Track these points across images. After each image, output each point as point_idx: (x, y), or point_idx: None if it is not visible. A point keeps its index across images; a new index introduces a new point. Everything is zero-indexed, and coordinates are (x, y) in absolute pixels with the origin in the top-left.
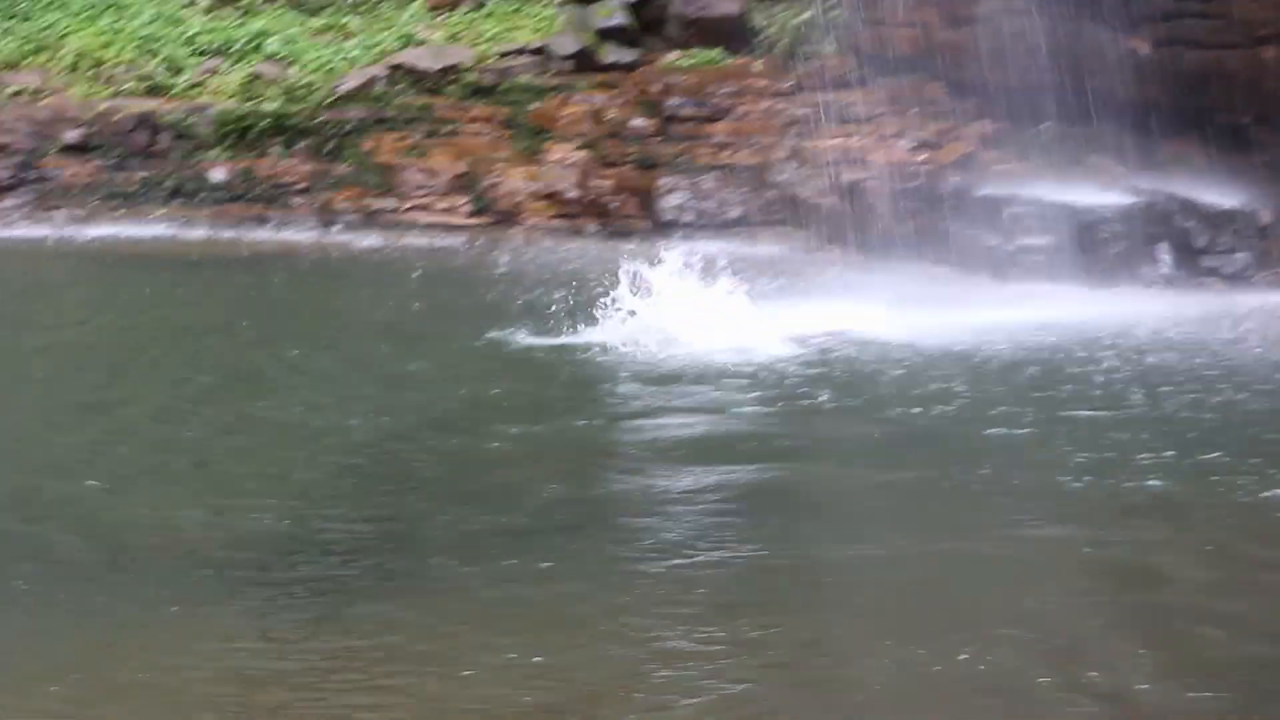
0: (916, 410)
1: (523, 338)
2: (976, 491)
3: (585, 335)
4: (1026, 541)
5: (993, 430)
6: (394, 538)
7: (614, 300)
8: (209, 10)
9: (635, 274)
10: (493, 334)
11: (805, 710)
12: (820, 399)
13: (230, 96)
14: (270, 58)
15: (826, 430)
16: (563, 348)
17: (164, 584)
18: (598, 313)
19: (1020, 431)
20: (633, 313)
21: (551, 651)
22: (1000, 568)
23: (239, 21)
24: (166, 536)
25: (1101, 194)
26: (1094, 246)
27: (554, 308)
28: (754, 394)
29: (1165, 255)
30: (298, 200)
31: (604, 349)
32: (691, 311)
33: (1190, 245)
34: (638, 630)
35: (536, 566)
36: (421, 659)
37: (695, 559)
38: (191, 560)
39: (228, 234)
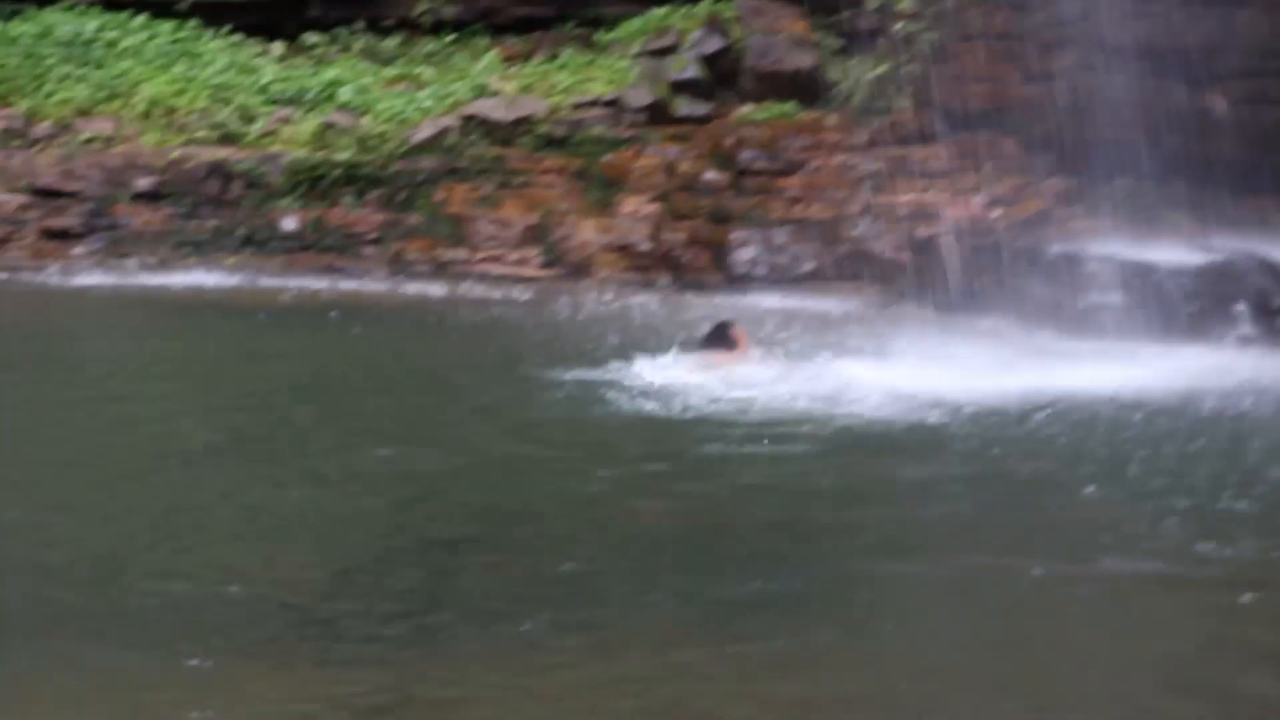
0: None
1: (623, 397)
2: None
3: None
4: None
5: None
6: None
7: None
8: (282, 59)
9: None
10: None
11: None
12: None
13: (302, 145)
14: (343, 107)
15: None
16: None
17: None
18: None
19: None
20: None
21: None
22: None
23: (312, 71)
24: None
25: (1178, 252)
26: (1169, 305)
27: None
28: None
29: (1243, 315)
30: (369, 250)
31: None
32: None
33: (1268, 305)
34: None
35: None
36: None
37: None
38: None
39: (299, 283)
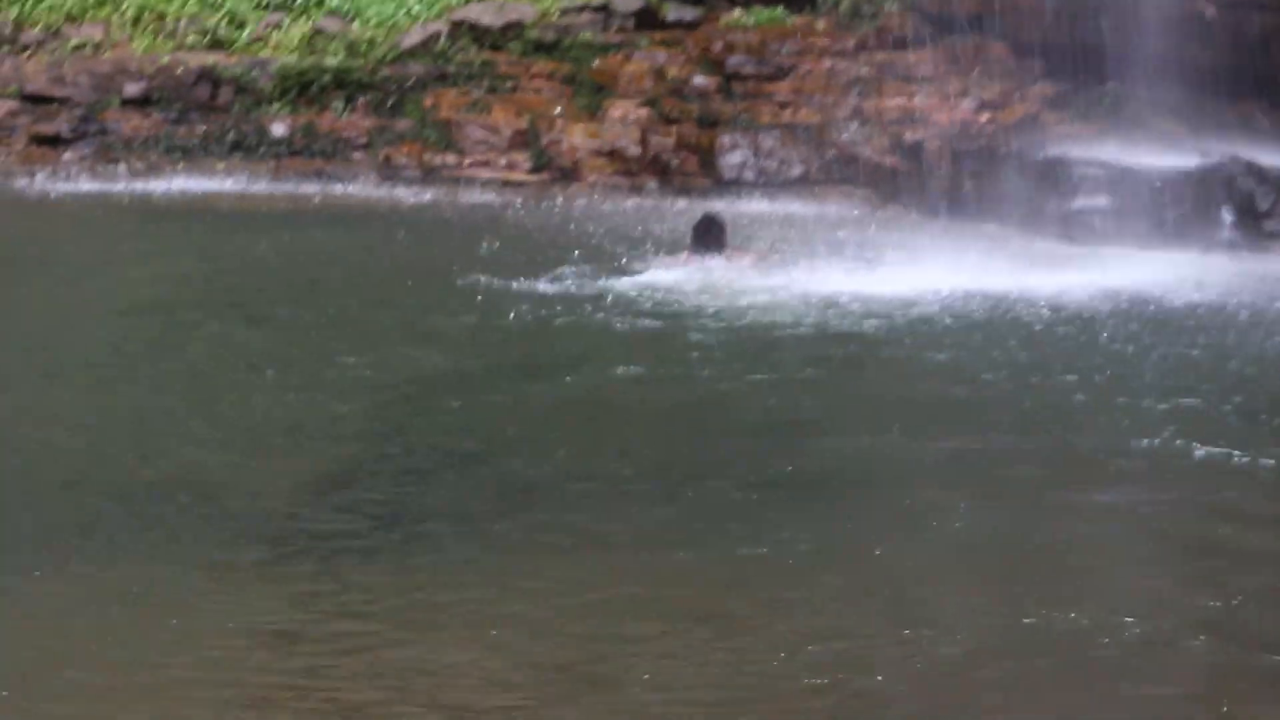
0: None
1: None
2: None
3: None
4: None
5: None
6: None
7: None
8: None
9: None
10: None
11: None
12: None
13: (292, 51)
14: (332, 13)
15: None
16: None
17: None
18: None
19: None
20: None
21: None
22: None
23: None
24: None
25: (1165, 156)
26: (1156, 209)
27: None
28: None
29: (1229, 218)
30: (358, 155)
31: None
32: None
33: (1254, 209)
34: None
35: None
36: None
37: None
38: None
39: (288, 188)
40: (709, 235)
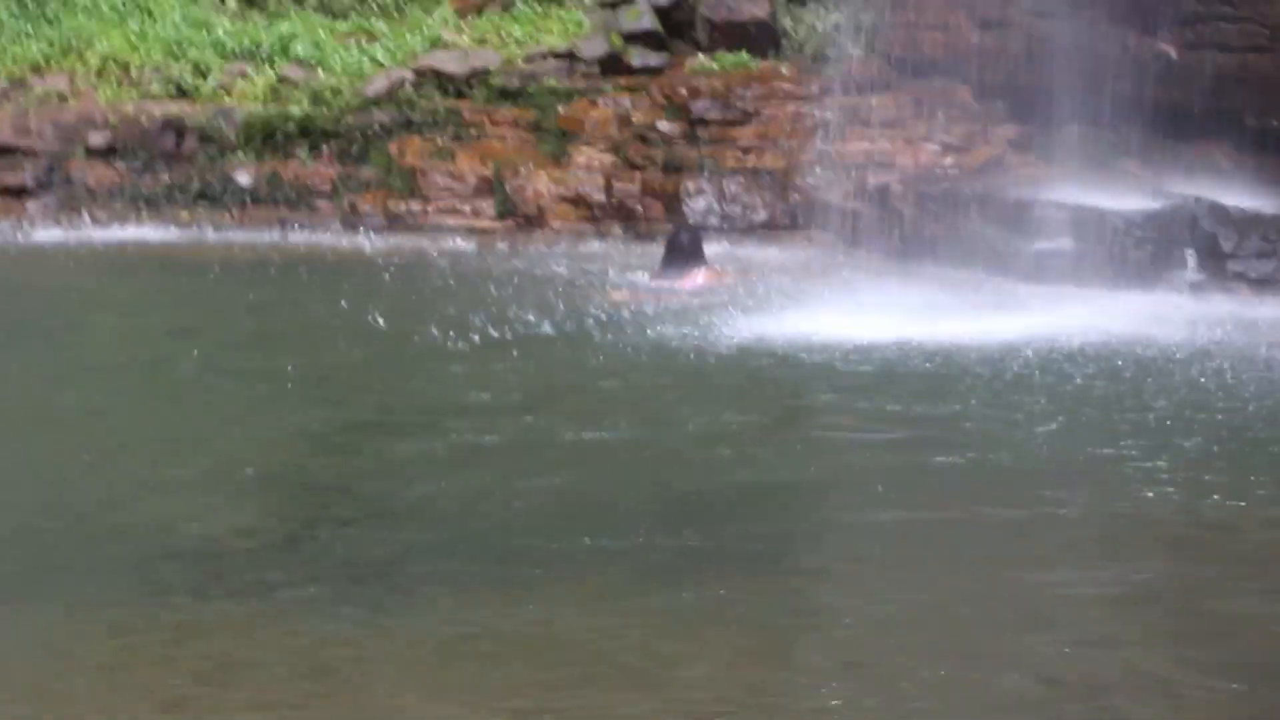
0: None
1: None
2: None
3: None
4: None
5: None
6: None
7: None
8: (236, 14)
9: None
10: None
11: None
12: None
13: (256, 100)
14: (297, 61)
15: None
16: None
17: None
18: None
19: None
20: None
21: None
22: None
23: (266, 25)
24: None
25: (1129, 198)
26: (1121, 251)
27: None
28: None
29: (1192, 260)
30: (323, 203)
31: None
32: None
33: (1218, 250)
34: None
35: None
36: None
37: None
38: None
39: (252, 237)
40: (682, 250)
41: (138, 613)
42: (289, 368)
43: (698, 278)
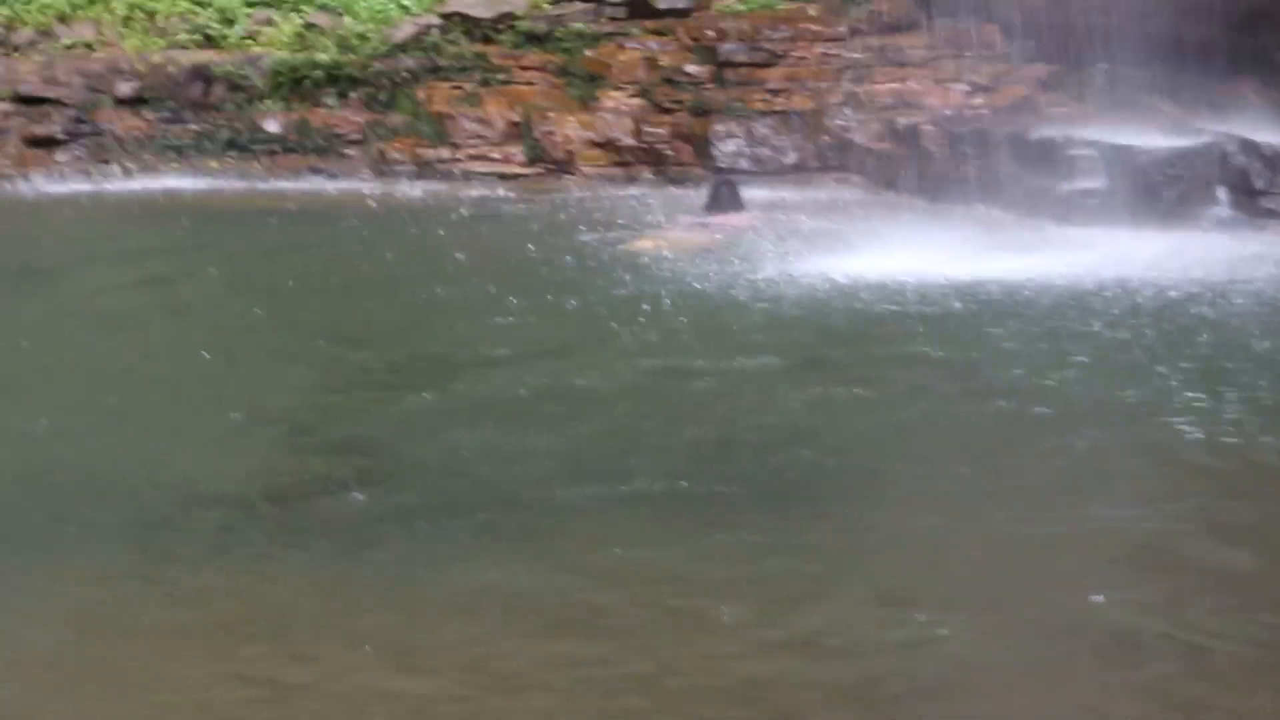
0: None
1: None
2: None
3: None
4: None
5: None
6: None
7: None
8: None
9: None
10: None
11: None
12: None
13: (284, 47)
14: (323, 7)
15: None
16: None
17: None
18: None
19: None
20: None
21: None
22: None
23: None
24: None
25: (1160, 136)
26: (1151, 189)
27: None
28: None
29: (1223, 197)
30: (351, 151)
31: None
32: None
33: (1249, 186)
34: None
35: None
36: None
37: None
38: None
39: (281, 186)
40: (723, 197)
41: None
42: (308, 318)
43: (739, 220)
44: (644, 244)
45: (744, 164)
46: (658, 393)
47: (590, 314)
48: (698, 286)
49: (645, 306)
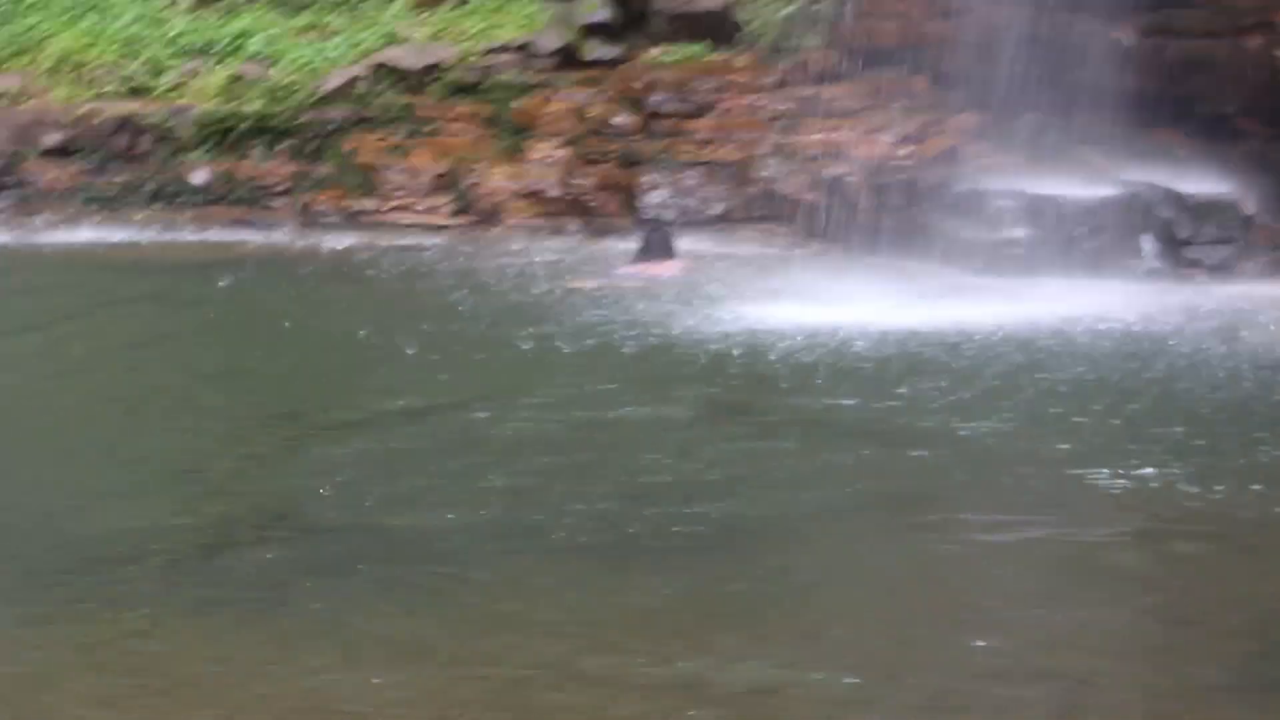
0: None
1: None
2: None
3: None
4: None
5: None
6: None
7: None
8: (191, 10)
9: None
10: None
11: None
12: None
13: (212, 98)
14: (252, 58)
15: None
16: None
17: None
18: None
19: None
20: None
21: None
22: None
23: (221, 21)
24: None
25: (1085, 186)
26: (1075, 239)
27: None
28: None
29: (1149, 247)
30: (279, 202)
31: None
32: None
33: (1174, 236)
34: None
35: None
36: None
37: None
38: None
39: (206, 237)
40: (654, 244)
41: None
42: (219, 370)
43: (668, 269)
44: (579, 283)
45: (671, 214)
46: (573, 442)
47: (509, 363)
48: (618, 335)
49: (565, 354)
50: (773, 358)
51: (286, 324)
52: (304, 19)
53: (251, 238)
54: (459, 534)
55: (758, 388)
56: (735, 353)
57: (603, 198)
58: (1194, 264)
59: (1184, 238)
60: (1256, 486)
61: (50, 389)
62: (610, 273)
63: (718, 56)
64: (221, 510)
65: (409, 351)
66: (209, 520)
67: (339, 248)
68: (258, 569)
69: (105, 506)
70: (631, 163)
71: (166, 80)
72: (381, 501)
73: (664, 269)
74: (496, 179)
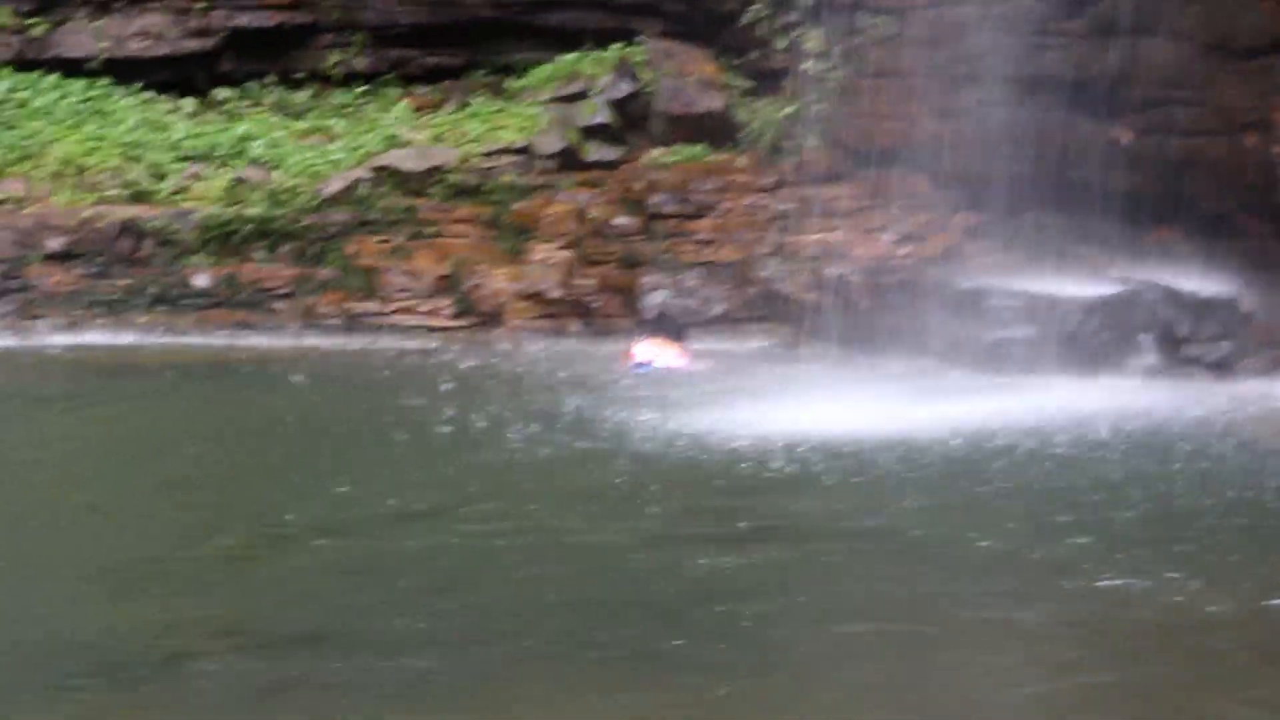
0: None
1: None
2: None
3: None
4: None
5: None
6: None
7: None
8: (193, 115)
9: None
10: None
11: None
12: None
13: (214, 201)
14: (254, 162)
15: None
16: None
17: None
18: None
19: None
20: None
21: None
22: None
23: (223, 126)
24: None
25: (1084, 284)
26: (1076, 338)
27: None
28: None
29: (1149, 345)
30: (281, 305)
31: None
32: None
33: (1173, 335)
34: None
35: None
36: None
37: None
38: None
39: (209, 341)
40: (665, 323)
41: None
42: (203, 477)
43: (677, 354)
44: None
45: (675, 310)
46: (554, 554)
47: (496, 471)
48: (604, 445)
49: (552, 462)
50: (762, 464)
51: (277, 428)
52: (306, 123)
53: (253, 341)
54: (432, 645)
55: (744, 498)
56: (717, 463)
57: (604, 299)
58: (1193, 362)
59: (1183, 335)
60: None
61: (27, 492)
62: (621, 365)
63: (718, 157)
64: (192, 621)
65: (400, 457)
66: (181, 632)
67: (341, 350)
68: (232, 678)
69: (78, 614)
70: (633, 264)
71: (169, 185)
72: (359, 612)
73: (673, 353)
74: (498, 280)
